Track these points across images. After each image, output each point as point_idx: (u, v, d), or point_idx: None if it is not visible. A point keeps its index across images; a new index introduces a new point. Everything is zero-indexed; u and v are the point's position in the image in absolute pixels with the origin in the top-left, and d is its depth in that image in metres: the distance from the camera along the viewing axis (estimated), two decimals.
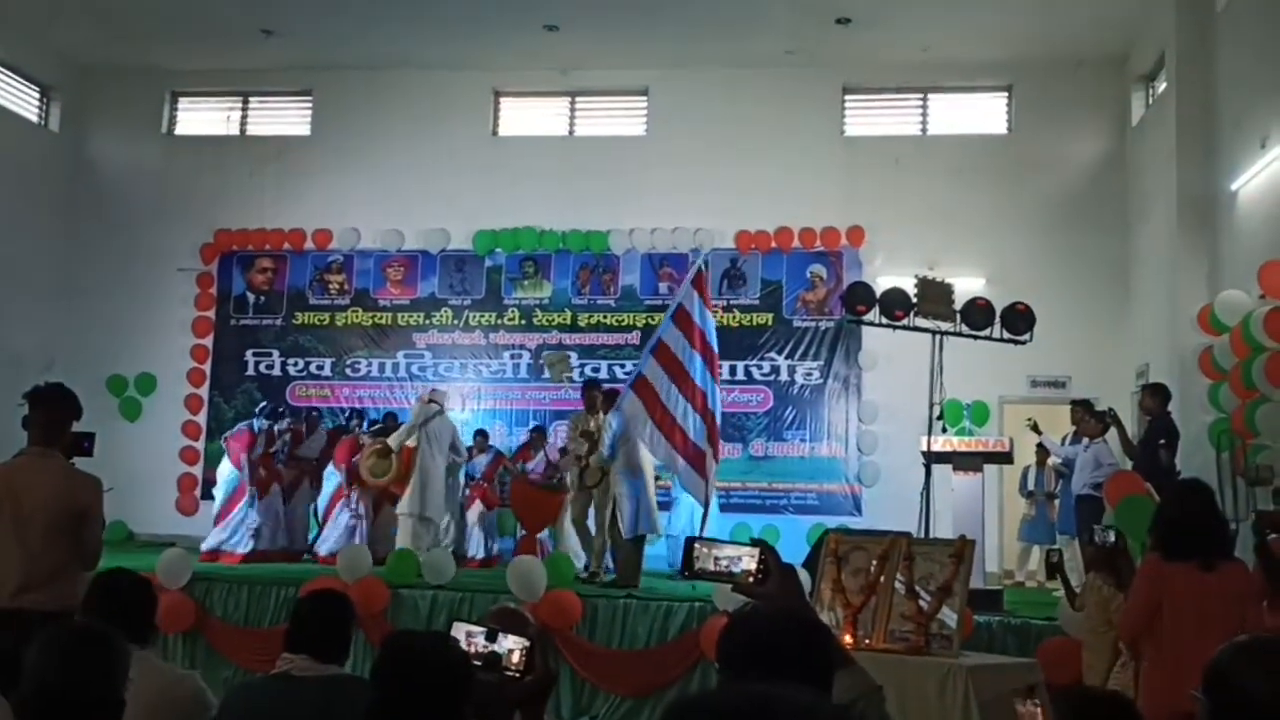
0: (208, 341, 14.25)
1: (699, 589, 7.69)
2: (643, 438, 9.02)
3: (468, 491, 11.30)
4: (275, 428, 11.03)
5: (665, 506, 10.49)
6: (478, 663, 2.63)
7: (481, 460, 11.50)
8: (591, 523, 9.70)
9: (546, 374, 13.52)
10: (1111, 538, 5.77)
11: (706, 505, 9.01)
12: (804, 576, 6.33)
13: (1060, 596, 7.08)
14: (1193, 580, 4.41)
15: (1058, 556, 6.49)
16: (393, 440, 10.54)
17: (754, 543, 2.33)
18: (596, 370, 13.54)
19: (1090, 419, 9.67)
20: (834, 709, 1.18)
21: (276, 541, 10.69)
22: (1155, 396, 9.16)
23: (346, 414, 12.96)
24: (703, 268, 10.05)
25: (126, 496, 10.76)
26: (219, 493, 10.73)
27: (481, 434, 11.93)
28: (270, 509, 10.68)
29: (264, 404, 11.95)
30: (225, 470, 10.73)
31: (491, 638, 2.71)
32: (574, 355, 13.70)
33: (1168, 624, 4.43)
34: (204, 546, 10.28)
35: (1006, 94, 13.68)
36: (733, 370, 13.06)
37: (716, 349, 9.42)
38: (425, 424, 10.41)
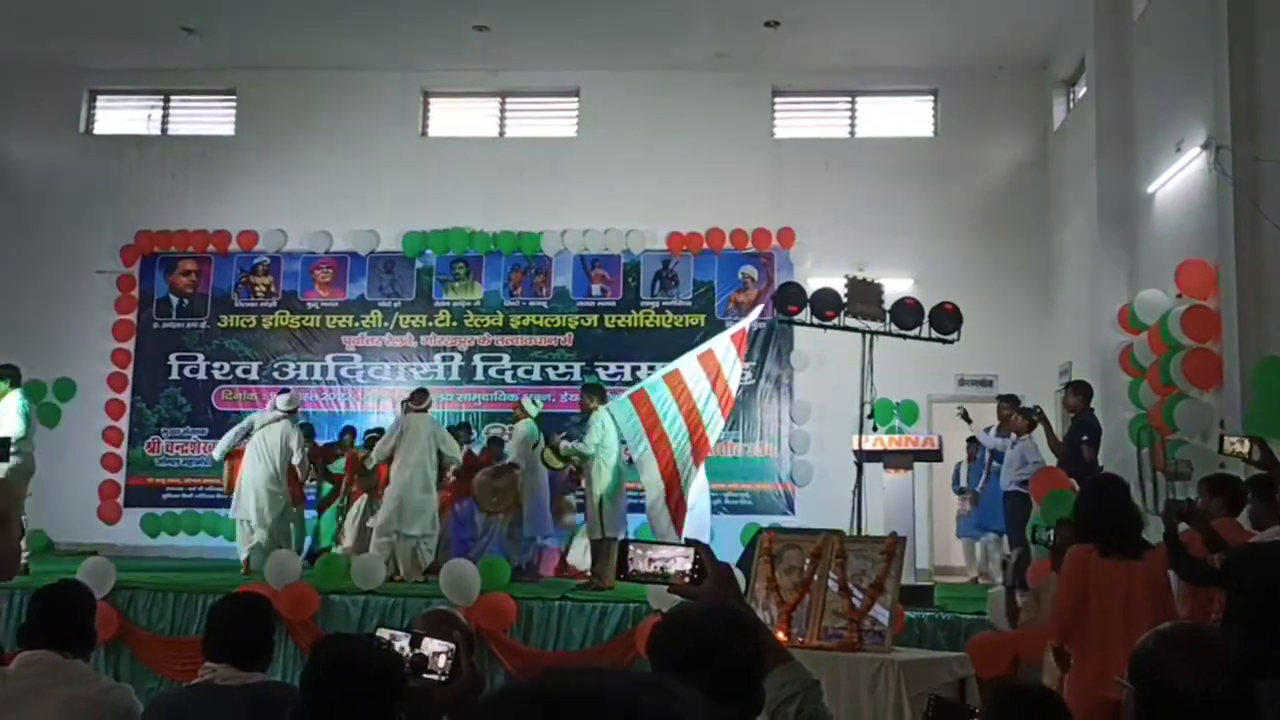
0: (129, 345, 13.91)
1: (634, 590, 7.68)
2: (636, 453, 9.29)
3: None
4: None
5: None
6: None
7: None
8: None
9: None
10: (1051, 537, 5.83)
11: (680, 529, 9.24)
12: (738, 576, 6.38)
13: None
14: (1118, 571, 4.50)
15: (1015, 557, 6.43)
16: (215, 453, 10.75)
17: (688, 543, 2.33)
18: (529, 373, 13.48)
19: (1017, 416, 9.83)
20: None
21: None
22: (1078, 394, 9.34)
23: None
24: (748, 329, 10.62)
25: (46, 505, 10.45)
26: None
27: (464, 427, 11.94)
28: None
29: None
30: None
31: (415, 643, 2.68)
32: (506, 356, 13.62)
33: (1094, 616, 4.51)
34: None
35: (932, 98, 13.88)
36: None
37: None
38: (256, 430, 10.22)
